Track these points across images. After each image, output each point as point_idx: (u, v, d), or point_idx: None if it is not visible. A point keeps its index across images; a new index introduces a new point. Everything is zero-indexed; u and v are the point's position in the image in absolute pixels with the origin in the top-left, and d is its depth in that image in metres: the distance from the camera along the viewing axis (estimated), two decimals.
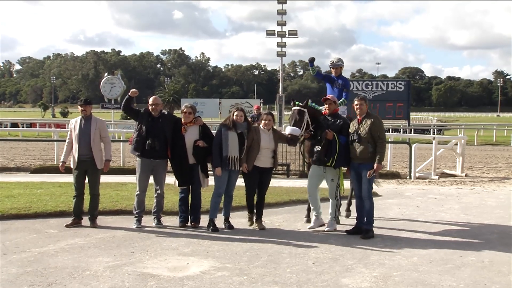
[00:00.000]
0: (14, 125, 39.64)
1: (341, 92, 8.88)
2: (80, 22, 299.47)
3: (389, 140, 17.26)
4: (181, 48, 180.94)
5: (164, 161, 8.10)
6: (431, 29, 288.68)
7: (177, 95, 71.38)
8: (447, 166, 17.57)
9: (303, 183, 12.67)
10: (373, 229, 7.68)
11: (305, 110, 8.05)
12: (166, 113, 8.28)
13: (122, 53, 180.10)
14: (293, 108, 8.16)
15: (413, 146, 14.98)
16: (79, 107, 8.13)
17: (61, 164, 8.22)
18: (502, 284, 5.62)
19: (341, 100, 8.76)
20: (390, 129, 31.76)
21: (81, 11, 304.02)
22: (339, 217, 8.54)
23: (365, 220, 7.72)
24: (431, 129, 38.61)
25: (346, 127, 7.88)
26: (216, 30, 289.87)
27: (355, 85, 27.11)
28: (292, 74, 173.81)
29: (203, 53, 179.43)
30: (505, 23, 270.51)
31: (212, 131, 8.52)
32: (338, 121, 7.91)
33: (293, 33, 50.53)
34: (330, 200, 8.06)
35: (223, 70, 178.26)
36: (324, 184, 8.09)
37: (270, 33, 50.17)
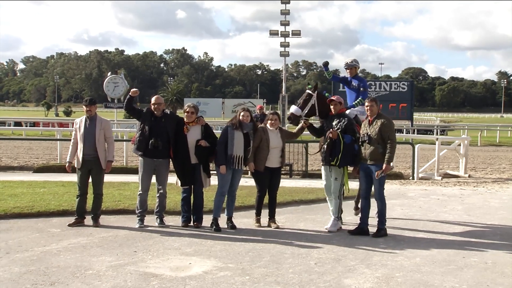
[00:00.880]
0: (18, 124, 39.71)
1: (357, 92, 8.94)
2: (83, 22, 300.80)
3: None
4: (184, 48, 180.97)
5: (167, 160, 8.11)
6: (435, 29, 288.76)
7: (180, 95, 71.53)
8: (450, 167, 17.53)
9: (306, 183, 12.69)
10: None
11: (314, 94, 8.26)
12: (168, 112, 8.29)
13: (125, 53, 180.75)
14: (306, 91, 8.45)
15: (416, 146, 14.96)
16: (84, 107, 8.11)
17: (67, 164, 8.21)
18: (505, 285, 5.60)
19: (357, 101, 8.87)
20: None
21: (84, 11, 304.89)
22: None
23: (377, 220, 7.73)
24: (434, 130, 38.56)
25: (350, 126, 7.89)
26: (219, 30, 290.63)
27: None
28: (295, 74, 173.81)
29: (206, 53, 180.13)
30: (508, 24, 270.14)
31: (215, 131, 8.54)
32: (343, 120, 7.92)
33: (297, 33, 50.49)
34: (334, 199, 8.06)
35: (226, 70, 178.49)
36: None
37: (273, 33, 50.16)
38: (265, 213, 8.28)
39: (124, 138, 19.11)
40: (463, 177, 15.19)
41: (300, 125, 8.31)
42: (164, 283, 5.48)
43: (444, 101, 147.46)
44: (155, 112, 8.01)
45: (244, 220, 8.45)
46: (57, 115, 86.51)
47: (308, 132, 8.61)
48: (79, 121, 8.12)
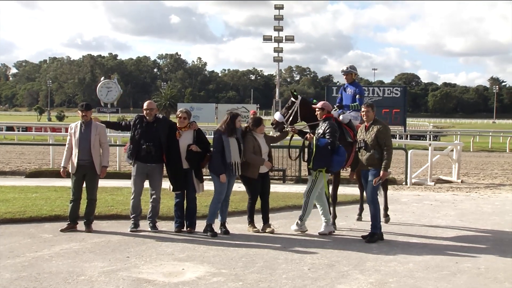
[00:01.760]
0: (10, 128, 39.48)
1: (353, 98, 9.07)
2: (77, 26, 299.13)
3: None
4: (177, 53, 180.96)
5: (160, 165, 8.08)
6: (427, 35, 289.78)
7: (174, 100, 71.37)
8: (443, 172, 17.58)
9: (299, 188, 12.66)
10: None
11: (296, 101, 8.48)
12: (161, 117, 8.28)
13: (119, 57, 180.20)
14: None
15: (409, 152, 15.00)
16: (79, 112, 8.05)
17: (62, 169, 8.17)
18: None
19: (353, 104, 8.99)
20: None
21: (78, 15, 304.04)
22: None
23: (370, 224, 7.75)
24: (427, 135, 38.69)
25: (329, 130, 7.88)
26: (213, 35, 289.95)
27: None
28: (288, 80, 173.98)
29: (200, 58, 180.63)
30: (500, 30, 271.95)
31: (209, 137, 8.54)
32: (326, 125, 7.98)
33: (290, 39, 50.72)
34: (303, 199, 8.20)
35: (219, 75, 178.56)
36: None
37: (267, 38, 50.37)
38: (257, 218, 8.27)
39: (118, 143, 19.03)
40: (455, 183, 15.24)
41: (289, 129, 8.50)
42: None
43: (437, 106, 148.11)
44: (147, 118, 8.00)
45: (237, 225, 8.43)
46: (49, 119, 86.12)
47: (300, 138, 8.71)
48: (74, 126, 8.06)
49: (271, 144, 8.54)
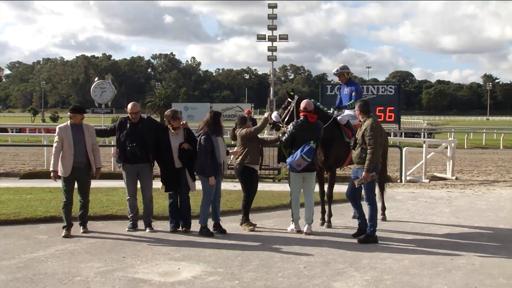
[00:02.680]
0: (3, 130, 39.28)
1: (350, 97, 9.13)
2: (70, 27, 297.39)
3: None
4: (172, 53, 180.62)
5: (148, 165, 8.09)
6: (421, 33, 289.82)
7: (168, 100, 71.32)
8: (438, 170, 17.65)
9: None
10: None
11: (292, 101, 8.46)
12: (145, 117, 8.34)
13: (112, 58, 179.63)
14: None
15: (404, 149, 15.04)
16: (77, 115, 7.73)
17: (53, 173, 7.76)
18: (492, 286, 5.65)
19: (348, 103, 9.07)
20: None
21: (71, 16, 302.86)
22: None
23: (369, 225, 7.59)
24: (422, 133, 38.81)
25: (289, 129, 7.96)
26: (207, 35, 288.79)
27: None
28: (283, 78, 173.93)
29: (194, 58, 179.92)
30: (493, 28, 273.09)
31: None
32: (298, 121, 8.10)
33: (284, 37, 50.75)
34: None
35: (214, 74, 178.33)
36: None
37: (260, 38, 50.37)
38: (252, 216, 8.28)
39: (112, 144, 18.97)
40: (450, 180, 15.30)
41: (262, 120, 8.61)
42: None
43: (431, 104, 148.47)
44: (132, 120, 8.01)
45: (233, 224, 8.44)
46: (43, 120, 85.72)
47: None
48: (64, 128, 7.77)
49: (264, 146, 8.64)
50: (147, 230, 8.04)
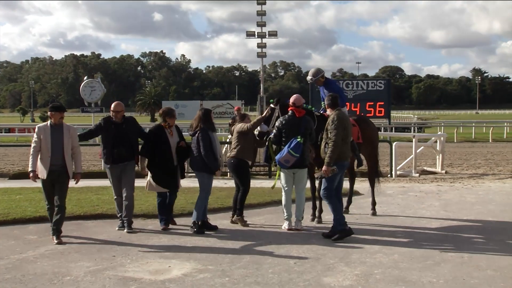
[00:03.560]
0: None
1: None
2: (59, 26, 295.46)
3: None
4: (162, 51, 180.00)
5: (132, 163, 8.05)
6: (409, 28, 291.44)
7: (158, 98, 71.10)
8: (428, 164, 17.75)
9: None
10: (350, 228, 7.46)
11: (276, 107, 8.37)
12: (129, 117, 8.31)
13: (102, 57, 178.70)
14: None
15: (394, 144, 15.10)
16: (56, 113, 7.34)
17: (32, 174, 7.32)
18: (480, 278, 5.70)
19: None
20: None
21: (60, 15, 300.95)
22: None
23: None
24: (412, 127, 39.00)
25: (280, 121, 7.97)
26: (196, 32, 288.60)
27: None
28: (273, 75, 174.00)
29: (183, 55, 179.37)
30: (481, 22, 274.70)
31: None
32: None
33: (273, 34, 50.64)
34: None
35: (204, 72, 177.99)
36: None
37: (250, 34, 50.21)
38: (246, 212, 8.29)
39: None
40: (440, 174, 15.39)
41: (259, 117, 8.58)
42: (143, 287, 5.45)
43: (421, 98, 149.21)
44: (115, 119, 7.95)
45: (224, 221, 8.44)
46: (33, 120, 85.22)
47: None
48: (43, 128, 7.34)
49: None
50: (126, 230, 7.82)
